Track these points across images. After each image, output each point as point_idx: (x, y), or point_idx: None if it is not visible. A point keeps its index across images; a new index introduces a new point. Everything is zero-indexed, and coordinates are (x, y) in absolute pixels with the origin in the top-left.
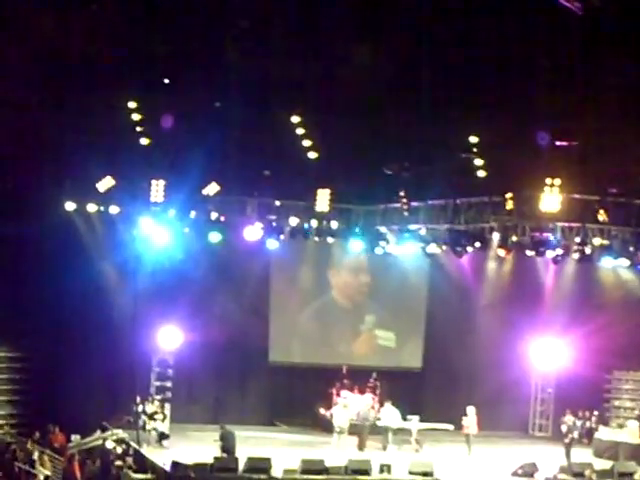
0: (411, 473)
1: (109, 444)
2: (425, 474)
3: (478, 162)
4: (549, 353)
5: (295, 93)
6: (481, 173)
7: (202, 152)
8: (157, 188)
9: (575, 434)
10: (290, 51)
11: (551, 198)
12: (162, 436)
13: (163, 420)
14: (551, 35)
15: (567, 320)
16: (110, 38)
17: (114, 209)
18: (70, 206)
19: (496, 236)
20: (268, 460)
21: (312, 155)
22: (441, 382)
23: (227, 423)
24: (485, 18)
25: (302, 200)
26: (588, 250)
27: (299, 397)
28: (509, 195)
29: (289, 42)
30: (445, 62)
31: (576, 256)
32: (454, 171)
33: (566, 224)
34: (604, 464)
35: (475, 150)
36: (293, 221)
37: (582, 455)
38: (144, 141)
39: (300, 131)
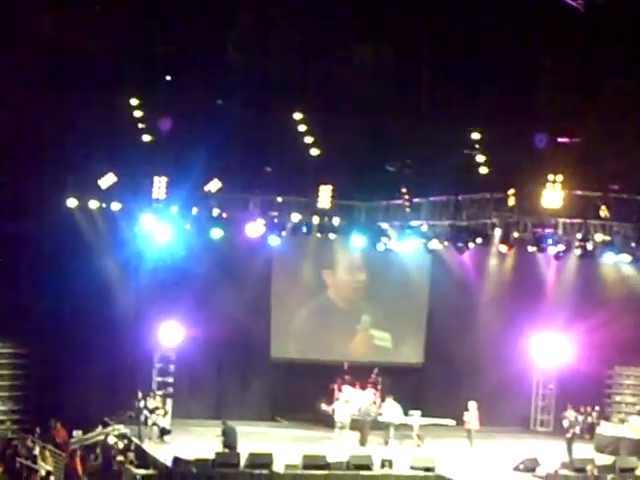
0: (413, 468)
1: (111, 439)
2: (427, 469)
3: (480, 158)
4: (551, 349)
5: (297, 90)
6: (483, 169)
7: (204, 149)
8: (159, 185)
9: (577, 429)
10: (292, 49)
11: (553, 194)
12: (163, 431)
13: (164, 415)
14: (553, 33)
15: (569, 316)
16: (112, 36)
17: (116, 206)
18: (72, 203)
19: (498, 232)
20: (270, 455)
21: (314, 152)
22: (443, 377)
23: (229, 418)
24: (486, 16)
25: (304, 196)
26: (590, 246)
27: (301, 393)
28: (511, 191)
29: (291, 40)
30: (447, 59)
31: (578, 252)
32: (456, 167)
33: (568, 220)
34: (605, 459)
35: (477, 146)
36: (295, 217)
37: (583, 450)
38: (146, 138)
39: (302, 128)
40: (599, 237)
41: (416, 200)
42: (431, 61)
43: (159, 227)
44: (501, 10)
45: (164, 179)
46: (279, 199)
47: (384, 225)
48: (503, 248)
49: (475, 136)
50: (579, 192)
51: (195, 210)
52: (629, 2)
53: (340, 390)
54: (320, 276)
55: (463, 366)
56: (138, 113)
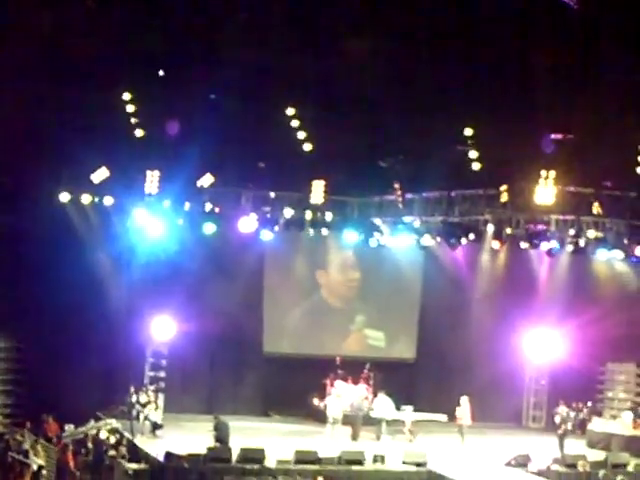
0: (405, 463)
1: (103, 434)
2: (418, 464)
3: (473, 154)
4: (543, 345)
5: (291, 85)
6: (476, 165)
7: (197, 143)
8: (151, 179)
9: (569, 425)
10: (286, 44)
11: (546, 191)
12: (155, 426)
13: (156, 410)
14: (547, 29)
15: (561, 312)
16: (106, 30)
17: (108, 200)
18: (65, 197)
19: (490, 228)
20: (262, 450)
21: (307, 147)
22: (435, 373)
23: (221, 413)
24: (481, 11)
25: (297, 192)
26: (582, 242)
27: (293, 388)
28: (504, 187)
29: (285, 35)
30: (441, 55)
31: (570, 248)
32: (449, 163)
33: (560, 216)
34: (597, 455)
35: (470, 143)
36: (288, 213)
37: (575, 446)
38: (139, 132)
39: (295, 123)
40: (592, 233)
41: (409, 196)
42: (425, 57)
43: (151, 222)
44: (496, 6)
45: (157, 174)
46: (272, 194)
47: (377, 221)
48: (495, 244)
49: (468, 132)
50: (572, 189)
51: (188, 205)
52: None
53: (332, 385)
54: (313, 275)
55: (455, 362)
56: (131, 108)
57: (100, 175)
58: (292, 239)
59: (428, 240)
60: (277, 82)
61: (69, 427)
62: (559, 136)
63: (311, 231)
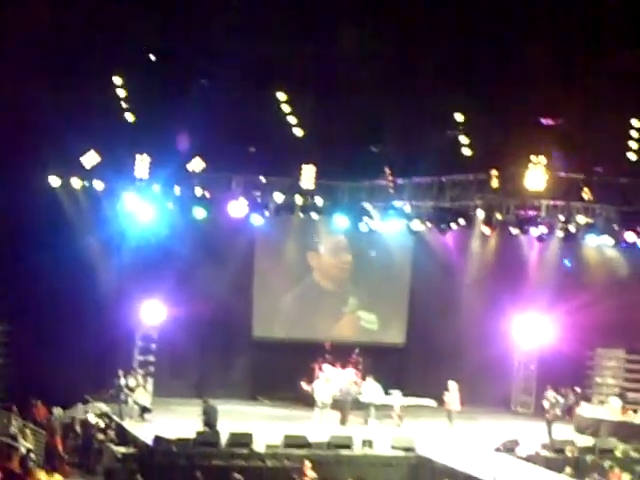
0: (393, 448)
1: (91, 418)
2: (407, 449)
3: (464, 140)
4: (532, 330)
5: (281, 70)
6: (466, 151)
7: (187, 128)
8: (142, 164)
9: (557, 411)
10: (278, 29)
11: (536, 176)
12: (144, 410)
13: (145, 394)
14: (537, 14)
15: (551, 297)
16: (96, 14)
17: (99, 184)
18: (55, 181)
19: (481, 214)
20: (250, 435)
21: (297, 132)
22: (424, 358)
23: (210, 398)
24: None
25: (287, 176)
26: (572, 228)
27: (282, 372)
28: (494, 173)
29: (277, 20)
30: (431, 40)
31: (560, 234)
32: (439, 148)
33: (551, 202)
34: (586, 440)
35: (461, 128)
36: (278, 197)
37: (564, 431)
38: (129, 117)
39: (286, 108)
40: (582, 219)
41: (399, 181)
42: (416, 43)
43: (142, 206)
44: None
45: (147, 158)
46: (262, 179)
47: (367, 205)
48: (486, 230)
49: (459, 118)
50: (562, 174)
51: (178, 189)
52: None
53: (321, 369)
54: (305, 258)
55: (444, 347)
56: (122, 92)
57: (90, 159)
58: (282, 224)
59: (418, 225)
60: (268, 67)
61: (58, 411)
62: (550, 121)
63: (301, 216)
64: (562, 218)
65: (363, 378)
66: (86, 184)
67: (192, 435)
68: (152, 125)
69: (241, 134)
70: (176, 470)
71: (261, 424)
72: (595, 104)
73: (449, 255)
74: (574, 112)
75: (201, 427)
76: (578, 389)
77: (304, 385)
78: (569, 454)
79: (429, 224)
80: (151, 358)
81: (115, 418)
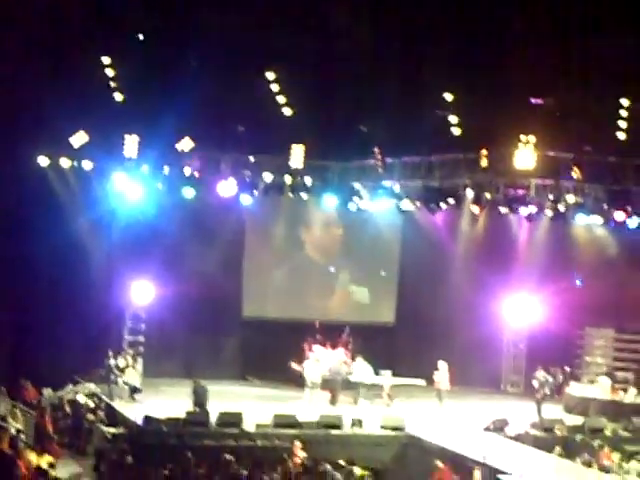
0: (383, 428)
1: (81, 398)
2: (396, 429)
3: (453, 119)
4: (522, 309)
5: (270, 49)
6: (456, 130)
7: (176, 108)
8: (131, 143)
9: (546, 390)
10: (265, 7)
11: (525, 155)
12: (134, 390)
13: (135, 374)
14: None
15: (540, 277)
16: None
17: (88, 164)
18: (44, 161)
19: (470, 193)
20: (240, 415)
21: (287, 111)
22: (413, 338)
23: (199, 378)
24: None
25: (277, 156)
26: (562, 207)
27: (272, 352)
28: (483, 152)
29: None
30: (420, 20)
31: (550, 213)
32: (429, 128)
33: (540, 181)
34: (575, 420)
35: (450, 107)
36: (267, 177)
37: (553, 411)
38: (118, 97)
39: (275, 87)
40: (571, 198)
41: (389, 160)
42: (405, 23)
43: (131, 186)
44: None
45: (136, 138)
46: (251, 158)
47: (356, 185)
48: (475, 209)
49: (448, 97)
50: (551, 153)
51: (167, 169)
52: None
53: (311, 349)
54: (295, 235)
55: (434, 326)
56: (110, 72)
57: (79, 139)
58: (272, 203)
59: (408, 205)
60: (257, 46)
61: (47, 391)
62: (539, 101)
63: (291, 195)
64: (551, 197)
65: (353, 358)
66: (75, 164)
67: (182, 415)
68: (141, 105)
69: (230, 114)
70: (166, 450)
71: (251, 404)
72: (584, 84)
73: (438, 234)
74: (563, 92)
75: (191, 407)
76: (567, 368)
77: (294, 365)
78: (558, 433)
79: (418, 203)
80: (141, 338)
81: (105, 398)
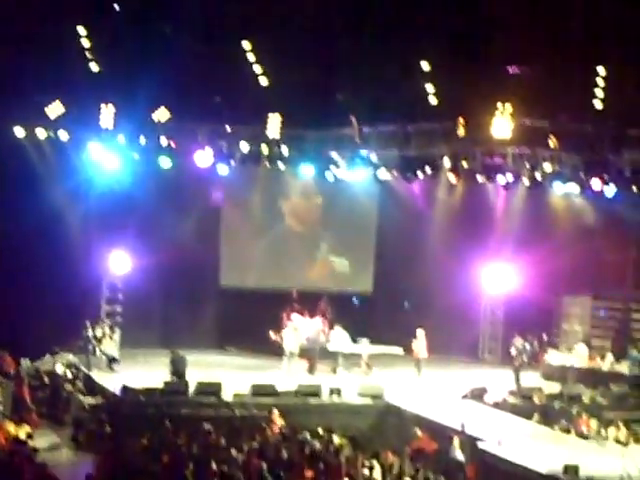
0: (361, 396)
1: (59, 368)
2: (374, 397)
3: (430, 88)
4: (499, 277)
5: (246, 19)
6: (433, 99)
7: (152, 77)
8: (107, 114)
9: (524, 358)
10: None
11: (502, 124)
12: (112, 360)
13: (113, 344)
14: None
15: (517, 245)
16: None
17: (64, 135)
18: (19, 132)
19: (447, 162)
20: (218, 384)
21: (263, 81)
22: (391, 306)
23: (177, 347)
24: None
25: (253, 125)
26: (539, 176)
27: (249, 321)
28: (460, 121)
29: None
30: None
31: (527, 182)
32: (405, 97)
33: (517, 150)
34: (553, 387)
35: (427, 76)
36: (244, 147)
37: (531, 378)
38: (94, 67)
39: (251, 57)
40: (548, 167)
41: (365, 129)
42: None
43: (107, 156)
44: None
45: (112, 108)
46: (228, 128)
47: (333, 154)
48: (452, 178)
49: (425, 66)
50: (528, 122)
51: (143, 139)
52: None
53: (289, 318)
54: (273, 205)
55: (411, 295)
56: (86, 42)
57: (55, 109)
58: (249, 173)
59: (385, 174)
60: (233, 16)
61: (25, 362)
62: (516, 69)
63: (267, 165)
64: (528, 166)
65: (331, 327)
66: (51, 134)
67: (160, 385)
68: (117, 75)
69: (206, 83)
70: (144, 420)
71: (229, 373)
72: (561, 52)
73: (416, 203)
74: (540, 60)
75: (169, 377)
76: (545, 336)
77: (272, 334)
78: (536, 401)
79: (395, 173)
80: (118, 308)
81: (83, 369)
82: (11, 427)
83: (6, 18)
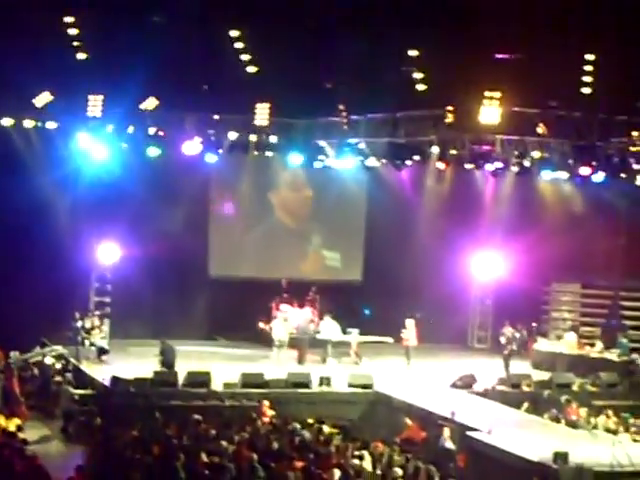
0: (350, 386)
1: (48, 360)
2: (364, 386)
3: (418, 75)
4: (488, 265)
5: (234, 6)
6: (421, 87)
7: (140, 66)
8: (95, 103)
9: (514, 346)
10: None
11: (491, 111)
12: (101, 352)
13: (102, 336)
14: None
15: (506, 232)
16: None
17: (52, 124)
18: (7, 122)
19: (435, 149)
20: (208, 374)
21: (251, 69)
22: (381, 295)
23: (167, 338)
24: None
25: (241, 114)
26: (527, 163)
27: (239, 311)
28: (449, 108)
29: None
30: None
31: (515, 169)
32: (394, 85)
33: (505, 137)
34: (542, 375)
35: (415, 64)
36: (232, 135)
37: (520, 366)
38: (81, 56)
39: (239, 45)
40: (536, 154)
41: (354, 117)
42: None
43: (95, 146)
44: None
45: (100, 97)
46: (216, 117)
47: (322, 143)
48: (441, 165)
49: (413, 53)
50: (517, 109)
51: (131, 128)
52: None
53: (278, 308)
54: (262, 200)
55: (401, 283)
56: (74, 31)
57: (43, 99)
58: (237, 162)
59: (373, 162)
60: (221, 4)
61: (14, 354)
62: (504, 56)
63: (256, 153)
64: (517, 153)
65: (320, 316)
66: (39, 124)
67: (150, 375)
68: (105, 64)
69: (194, 72)
70: (134, 411)
71: (218, 363)
72: (549, 38)
73: (405, 191)
74: (528, 47)
75: (159, 367)
76: (534, 324)
77: (261, 324)
78: (526, 389)
79: (384, 160)
80: (107, 299)
81: (72, 360)
82: (1, 420)
83: None
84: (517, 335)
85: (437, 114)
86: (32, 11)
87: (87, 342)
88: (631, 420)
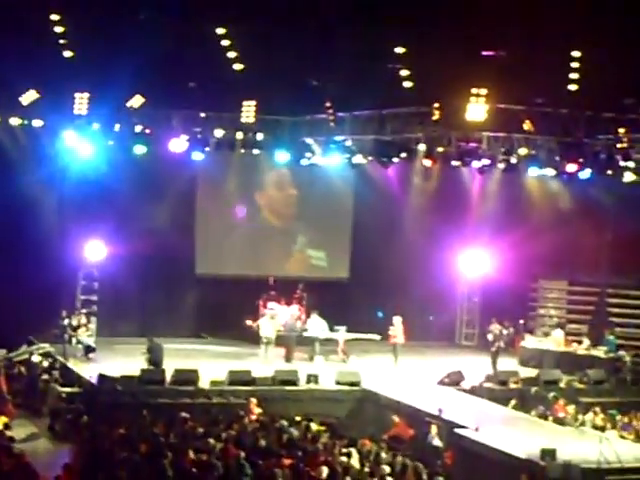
0: (338, 383)
1: (35, 358)
2: (352, 384)
3: (404, 73)
4: (475, 263)
5: (220, 4)
6: (407, 84)
7: (126, 64)
8: (81, 101)
9: (501, 343)
10: None
11: (477, 108)
12: (88, 349)
13: (89, 334)
14: None
15: (493, 229)
16: None
17: (38, 122)
18: None
19: (422, 147)
20: (195, 372)
21: (237, 66)
22: (368, 292)
23: (154, 336)
24: None
25: (228, 112)
26: (514, 160)
27: (226, 309)
28: (435, 105)
29: None
30: None
31: (502, 166)
32: (380, 82)
33: (492, 134)
34: (529, 372)
35: (401, 61)
36: (218, 133)
37: (508, 364)
38: (67, 54)
39: (225, 42)
40: (523, 151)
41: (340, 114)
42: None
43: (81, 144)
44: None
45: (86, 95)
46: (202, 114)
47: (308, 140)
48: (427, 162)
49: (399, 50)
50: (503, 106)
51: (117, 126)
52: None
53: (265, 306)
54: (250, 198)
55: (388, 281)
56: (59, 29)
57: (29, 97)
58: (224, 160)
59: (360, 159)
60: (207, 1)
61: (1, 352)
62: (490, 53)
63: (242, 151)
64: (503, 150)
65: (307, 314)
66: (25, 122)
67: (137, 373)
68: (91, 62)
69: (181, 70)
70: (121, 409)
71: (206, 361)
72: (535, 35)
73: (391, 189)
74: (514, 43)
75: (146, 365)
76: (521, 321)
77: (249, 322)
78: (513, 386)
79: (371, 158)
80: (94, 297)
81: (59, 358)
82: None
83: None
84: (504, 332)
85: (423, 111)
86: (18, 9)
87: (74, 340)
88: (618, 417)
